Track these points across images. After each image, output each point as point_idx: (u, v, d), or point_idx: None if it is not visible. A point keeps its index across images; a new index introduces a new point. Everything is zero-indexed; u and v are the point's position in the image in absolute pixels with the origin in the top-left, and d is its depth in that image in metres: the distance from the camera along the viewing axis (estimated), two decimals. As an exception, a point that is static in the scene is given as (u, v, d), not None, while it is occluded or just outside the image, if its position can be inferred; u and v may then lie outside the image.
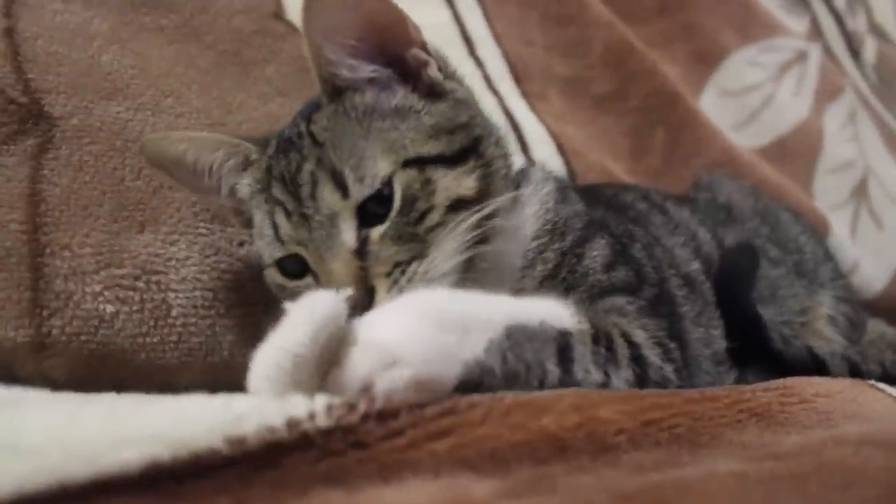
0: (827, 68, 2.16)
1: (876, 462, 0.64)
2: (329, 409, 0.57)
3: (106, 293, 0.91)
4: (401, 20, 0.89)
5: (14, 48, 1.01)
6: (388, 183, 0.86)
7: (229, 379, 0.81)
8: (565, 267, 0.94)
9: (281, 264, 0.93)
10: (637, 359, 0.84)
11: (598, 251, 0.95)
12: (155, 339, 0.93)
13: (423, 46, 0.91)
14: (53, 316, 0.88)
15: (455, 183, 0.88)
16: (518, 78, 1.61)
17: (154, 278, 0.95)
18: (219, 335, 0.98)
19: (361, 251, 0.86)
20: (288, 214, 0.90)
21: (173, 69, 1.14)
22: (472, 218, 0.87)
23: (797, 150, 1.98)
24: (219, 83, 1.17)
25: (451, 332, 0.68)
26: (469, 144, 0.91)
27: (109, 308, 0.91)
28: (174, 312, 0.95)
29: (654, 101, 1.77)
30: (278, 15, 1.33)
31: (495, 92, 1.54)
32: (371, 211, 0.87)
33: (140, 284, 0.94)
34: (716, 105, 1.94)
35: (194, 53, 1.18)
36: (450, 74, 0.97)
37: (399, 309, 0.69)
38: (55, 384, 0.87)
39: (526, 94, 1.60)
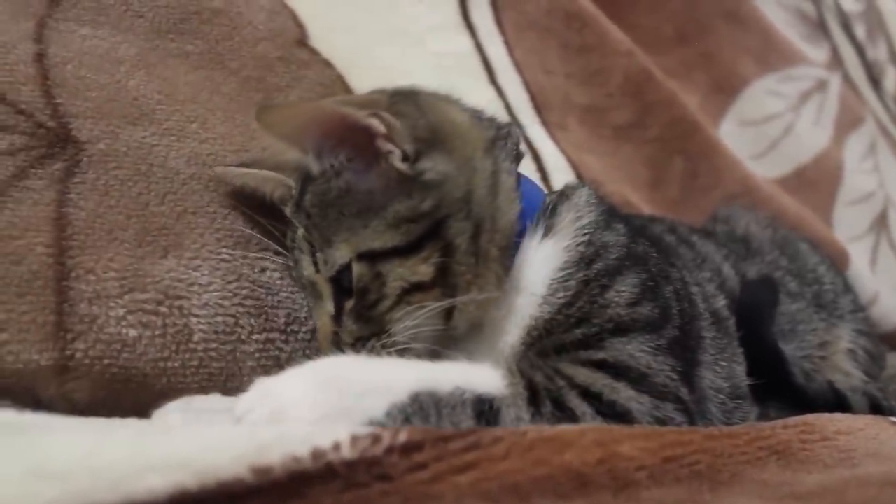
0: (847, 98, 2.16)
1: (900, 503, 0.63)
2: (354, 440, 0.58)
3: (129, 317, 0.92)
4: (350, 118, 0.90)
5: (44, 73, 1.02)
6: (349, 268, 0.92)
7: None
8: (585, 295, 0.93)
9: None
10: (611, 411, 0.84)
11: (626, 286, 0.94)
12: (176, 364, 0.93)
13: (389, 134, 0.91)
14: (77, 339, 0.88)
15: (408, 272, 0.90)
16: (538, 106, 1.61)
17: (177, 303, 0.95)
18: (239, 361, 0.98)
19: (338, 318, 0.94)
20: (292, 267, 1.02)
21: (198, 95, 1.15)
22: (428, 308, 0.90)
23: (817, 181, 1.98)
24: (243, 109, 1.18)
25: (346, 397, 0.75)
26: (429, 231, 0.91)
27: (132, 332, 0.91)
28: (196, 338, 0.95)
29: (673, 130, 1.77)
30: (302, 42, 1.34)
31: (516, 120, 1.55)
32: (346, 284, 0.93)
33: (163, 309, 0.94)
34: (735, 134, 1.95)
35: (219, 79, 1.19)
36: (444, 148, 0.95)
37: (300, 372, 0.78)
38: (77, 407, 0.88)
39: (546, 123, 1.60)
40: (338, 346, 0.93)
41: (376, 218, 0.91)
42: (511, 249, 0.96)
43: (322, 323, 0.95)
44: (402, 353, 0.90)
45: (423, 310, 0.90)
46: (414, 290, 0.90)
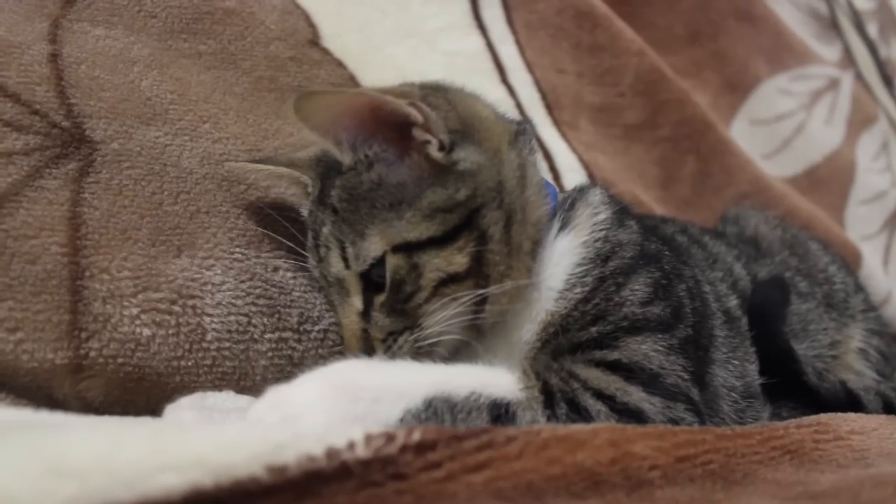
0: (859, 97, 2.15)
1: (914, 503, 0.63)
2: (368, 439, 0.58)
3: (143, 316, 0.92)
4: (389, 106, 0.90)
5: (58, 73, 1.03)
6: (382, 262, 0.91)
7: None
8: (601, 292, 0.94)
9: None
10: (623, 411, 0.85)
11: (640, 285, 0.95)
12: (189, 363, 0.94)
13: (426, 124, 0.91)
14: (91, 338, 0.89)
15: (444, 263, 0.90)
16: (550, 106, 1.61)
17: (190, 302, 0.96)
18: (252, 360, 0.98)
19: (366, 314, 0.94)
20: (315, 265, 1.00)
21: (211, 95, 1.15)
22: (461, 299, 0.90)
23: (829, 180, 1.97)
24: (255, 109, 1.19)
25: (359, 402, 0.75)
26: (464, 221, 0.91)
27: (146, 331, 0.92)
28: (209, 337, 0.96)
29: (684, 129, 1.77)
30: (314, 42, 1.34)
31: (527, 120, 1.55)
32: (375, 279, 0.92)
33: (176, 308, 0.95)
34: (746, 134, 1.94)
35: (231, 80, 1.20)
36: (473, 139, 0.96)
37: (313, 378, 0.77)
38: (91, 406, 0.89)
39: (557, 122, 1.60)
40: (367, 343, 0.93)
41: (410, 209, 0.91)
42: (540, 243, 0.97)
43: (349, 321, 0.95)
44: (431, 346, 0.91)
45: (456, 301, 0.90)
46: (449, 280, 0.90)
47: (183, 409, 0.87)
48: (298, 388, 0.76)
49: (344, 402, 0.74)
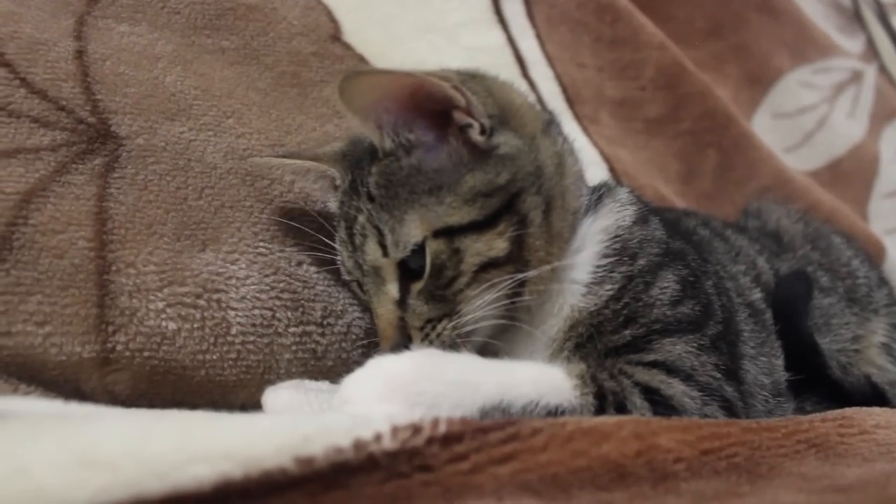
0: (883, 90, 2.14)
1: (942, 497, 0.63)
2: (394, 431, 0.58)
3: (168, 310, 0.93)
4: (433, 88, 0.90)
5: (84, 69, 1.04)
6: (422, 248, 0.91)
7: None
8: (630, 291, 0.94)
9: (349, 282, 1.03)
10: (667, 408, 0.85)
11: (668, 283, 0.95)
12: (214, 357, 0.95)
13: (468, 108, 0.91)
14: (118, 332, 0.90)
15: (485, 247, 0.90)
16: (570, 100, 1.61)
17: (215, 296, 0.97)
18: (276, 354, 0.99)
19: (403, 302, 0.93)
20: (349, 255, 0.99)
21: (234, 90, 1.16)
22: (500, 284, 0.90)
23: (852, 174, 1.96)
24: (278, 104, 1.19)
25: (416, 407, 0.73)
26: (504, 205, 0.91)
27: (171, 325, 0.93)
28: (234, 331, 0.97)
29: (706, 123, 1.76)
30: (336, 37, 1.35)
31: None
32: (413, 266, 0.92)
33: (201, 302, 0.95)
34: (769, 127, 1.93)
35: (254, 75, 1.21)
36: (510, 125, 0.96)
37: (373, 378, 0.77)
38: (117, 399, 0.89)
39: (578, 117, 1.60)
40: (403, 332, 0.93)
41: (450, 194, 0.91)
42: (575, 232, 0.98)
43: (385, 310, 0.94)
44: (469, 333, 0.91)
45: (495, 286, 0.90)
46: (489, 265, 0.90)
47: (282, 389, 0.90)
48: (363, 384, 0.76)
49: (403, 406, 0.74)
